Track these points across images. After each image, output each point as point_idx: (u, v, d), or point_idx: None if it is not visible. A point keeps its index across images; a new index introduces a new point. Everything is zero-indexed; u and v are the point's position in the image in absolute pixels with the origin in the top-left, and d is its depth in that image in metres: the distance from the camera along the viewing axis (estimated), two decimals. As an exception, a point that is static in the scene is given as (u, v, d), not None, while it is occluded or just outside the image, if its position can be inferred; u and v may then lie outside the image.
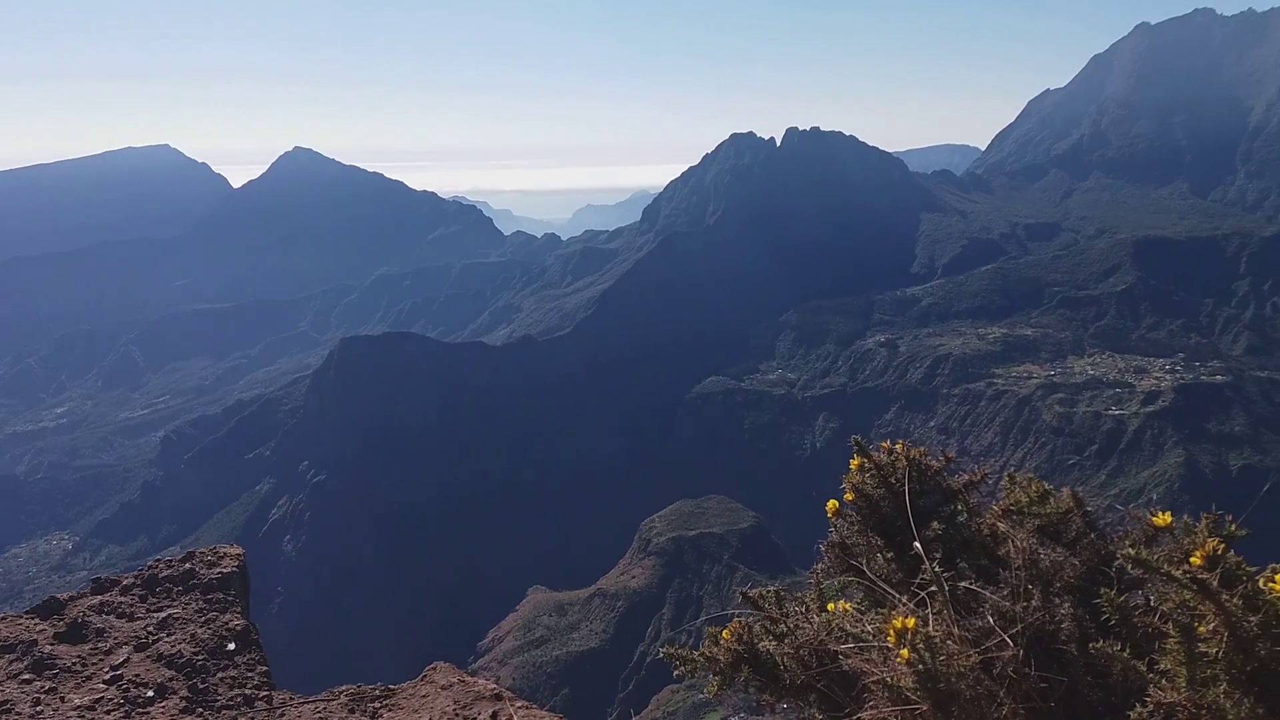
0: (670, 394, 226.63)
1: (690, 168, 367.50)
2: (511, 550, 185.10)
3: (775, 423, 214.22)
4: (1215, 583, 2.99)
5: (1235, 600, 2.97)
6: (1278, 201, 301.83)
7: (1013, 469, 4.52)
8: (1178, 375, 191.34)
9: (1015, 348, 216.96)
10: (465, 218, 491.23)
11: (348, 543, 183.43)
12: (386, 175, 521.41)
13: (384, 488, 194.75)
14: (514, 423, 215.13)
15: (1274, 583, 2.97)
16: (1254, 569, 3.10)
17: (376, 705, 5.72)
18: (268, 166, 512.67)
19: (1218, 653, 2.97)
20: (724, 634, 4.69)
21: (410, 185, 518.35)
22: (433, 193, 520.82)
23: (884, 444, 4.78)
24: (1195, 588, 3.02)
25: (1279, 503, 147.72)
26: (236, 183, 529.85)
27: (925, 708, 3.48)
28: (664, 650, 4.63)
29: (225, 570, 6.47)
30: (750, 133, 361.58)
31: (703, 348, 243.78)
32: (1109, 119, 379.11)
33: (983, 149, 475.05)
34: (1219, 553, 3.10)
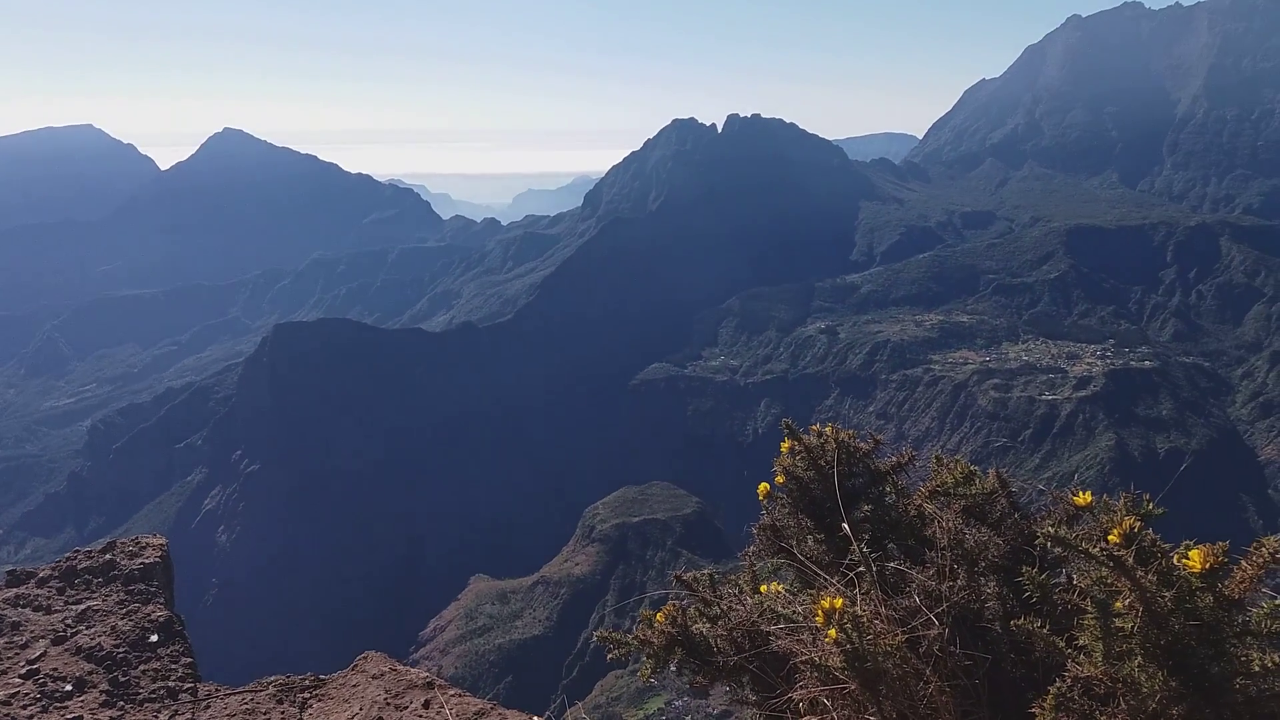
0: (614, 381, 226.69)
1: (632, 153, 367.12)
2: (453, 539, 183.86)
3: (718, 409, 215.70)
4: (1131, 560, 3.06)
5: (1150, 576, 3.05)
6: (1203, 192, 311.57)
7: (949, 453, 4.59)
8: (1108, 361, 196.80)
9: (952, 334, 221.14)
10: (402, 201, 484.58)
11: (284, 533, 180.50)
12: (320, 158, 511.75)
13: (320, 477, 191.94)
14: (454, 411, 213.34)
15: (1187, 559, 3.05)
16: (1169, 546, 3.18)
17: (306, 695, 5.63)
18: (197, 148, 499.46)
19: (1133, 627, 3.06)
20: (658, 617, 4.70)
21: (345, 168, 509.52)
22: (368, 175, 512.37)
23: (814, 427, 4.82)
24: (1111, 565, 3.09)
25: (1198, 482, 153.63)
26: (164, 164, 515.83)
27: (853, 686, 3.53)
28: (599, 634, 4.62)
29: (148, 560, 6.30)
30: (692, 119, 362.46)
31: (646, 334, 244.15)
32: (1042, 109, 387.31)
33: (920, 138, 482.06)
34: (1135, 531, 3.17)
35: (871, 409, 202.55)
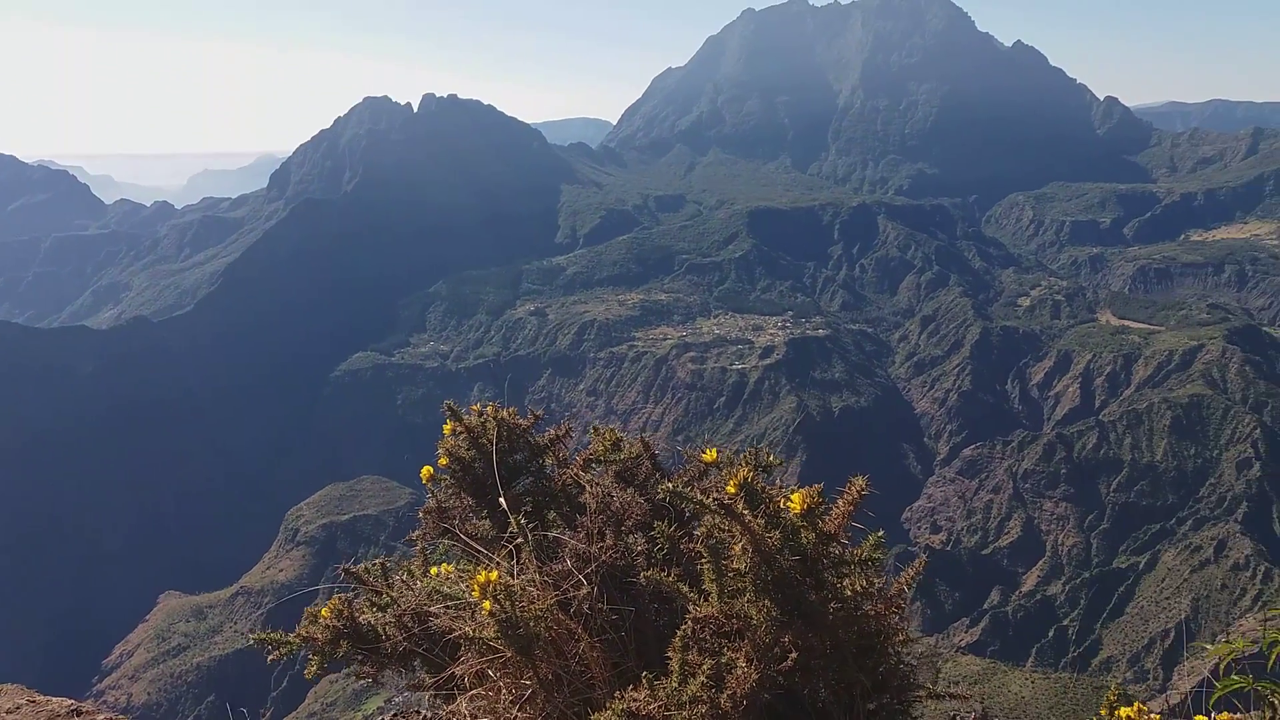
0: (313, 373, 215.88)
1: (322, 131, 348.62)
2: (138, 557, 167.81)
3: (430, 396, 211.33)
4: (741, 506, 3.41)
5: (759, 520, 3.41)
6: (862, 175, 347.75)
7: (653, 424, 4.87)
8: (788, 331, 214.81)
9: (652, 312, 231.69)
10: (54, 184, 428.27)
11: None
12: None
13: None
14: (131, 413, 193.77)
15: (790, 502, 3.48)
16: (777, 491, 3.61)
17: (-82, 747, 4.96)
18: None
19: (745, 568, 3.42)
20: (323, 612, 4.61)
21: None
22: (12, 156, 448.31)
23: (474, 407, 4.91)
24: (723, 512, 3.44)
25: (869, 436, 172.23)
26: None
27: (510, 654, 3.66)
28: (253, 636, 4.45)
29: None
30: (386, 97, 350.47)
31: (346, 322, 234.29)
32: (724, 98, 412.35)
33: (614, 123, 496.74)
34: (749, 481, 3.50)
35: (582, 387, 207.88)
